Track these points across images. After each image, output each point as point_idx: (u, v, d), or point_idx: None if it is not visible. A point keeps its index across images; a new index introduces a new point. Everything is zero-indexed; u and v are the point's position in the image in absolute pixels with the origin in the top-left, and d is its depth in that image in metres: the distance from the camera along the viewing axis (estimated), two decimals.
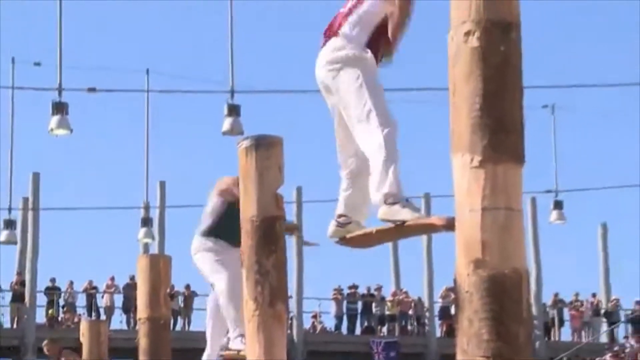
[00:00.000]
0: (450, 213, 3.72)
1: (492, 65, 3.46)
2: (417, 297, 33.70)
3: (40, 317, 31.30)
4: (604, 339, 33.33)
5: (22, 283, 31.31)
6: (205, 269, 8.25)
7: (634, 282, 34.98)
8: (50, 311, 31.36)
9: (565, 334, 33.96)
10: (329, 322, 33.31)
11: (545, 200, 32.02)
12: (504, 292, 3.38)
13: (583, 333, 33.59)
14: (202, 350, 8.78)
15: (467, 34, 3.49)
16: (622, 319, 34.40)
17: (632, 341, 30.16)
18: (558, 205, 31.63)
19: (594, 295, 34.37)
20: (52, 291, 31.66)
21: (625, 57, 44.61)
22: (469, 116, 3.46)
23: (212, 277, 8.21)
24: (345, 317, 32.95)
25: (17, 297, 31.21)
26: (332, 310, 33.11)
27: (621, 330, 34.23)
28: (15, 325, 31.25)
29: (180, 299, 31.06)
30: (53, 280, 31.71)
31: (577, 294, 34.14)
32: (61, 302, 31.63)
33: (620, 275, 37.30)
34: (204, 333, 8.99)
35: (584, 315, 33.64)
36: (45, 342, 14.75)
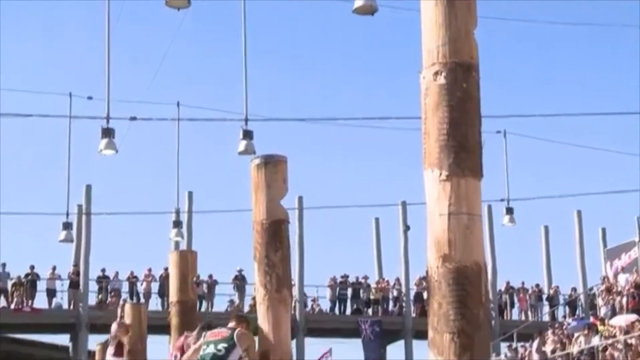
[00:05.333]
0: (423, 217, 3.71)
1: (456, 99, 3.47)
2: (396, 277, 33.74)
3: (92, 300, 31.33)
4: (546, 318, 33.38)
5: (77, 273, 31.33)
6: None
7: (571, 272, 35.02)
8: (100, 296, 31.39)
9: (515, 314, 34.06)
10: (325, 305, 33.29)
11: (499, 207, 32.08)
12: (467, 280, 3.38)
13: (529, 313, 33.73)
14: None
15: (436, 73, 3.49)
16: (561, 302, 34.46)
17: (569, 320, 30.09)
18: (509, 211, 31.67)
19: (537, 285, 34.44)
20: (101, 280, 31.68)
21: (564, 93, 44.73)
22: (437, 139, 3.46)
23: None
24: (338, 301, 32.96)
25: (74, 284, 31.22)
26: (328, 295, 33.09)
27: (560, 311, 34.29)
28: (72, 307, 31.25)
29: (204, 285, 30.96)
30: (103, 270, 31.75)
31: (523, 282, 34.24)
32: (109, 288, 31.61)
33: (559, 266, 37.21)
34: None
35: (529, 299, 33.84)
36: (114, 327, 12.14)
